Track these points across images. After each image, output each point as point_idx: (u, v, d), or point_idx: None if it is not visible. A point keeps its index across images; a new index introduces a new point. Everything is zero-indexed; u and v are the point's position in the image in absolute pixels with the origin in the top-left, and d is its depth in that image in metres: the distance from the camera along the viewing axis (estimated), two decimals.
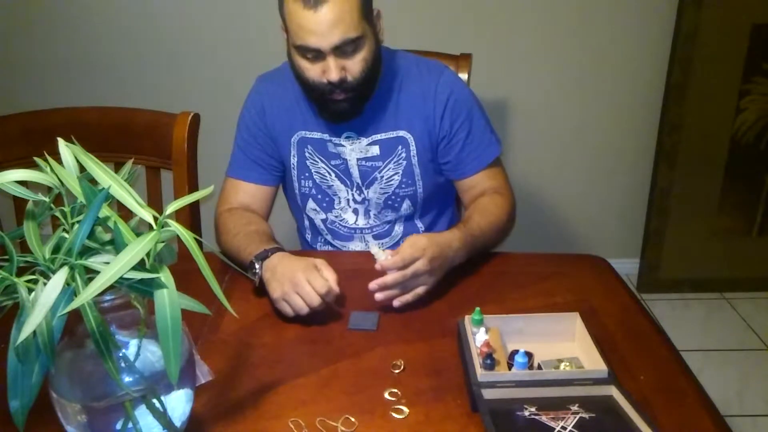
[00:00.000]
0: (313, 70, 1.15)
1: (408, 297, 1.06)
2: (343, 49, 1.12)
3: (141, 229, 0.65)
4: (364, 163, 1.29)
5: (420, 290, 1.07)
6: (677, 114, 2.21)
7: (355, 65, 1.15)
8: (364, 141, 1.28)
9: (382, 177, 1.30)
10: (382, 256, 1.04)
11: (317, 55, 1.13)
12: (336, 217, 1.36)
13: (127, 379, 0.69)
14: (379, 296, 1.05)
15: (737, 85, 2.19)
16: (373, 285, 1.04)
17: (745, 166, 2.29)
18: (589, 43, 2.19)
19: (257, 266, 1.09)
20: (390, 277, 1.03)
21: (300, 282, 1.01)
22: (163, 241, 0.64)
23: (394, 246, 1.37)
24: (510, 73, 2.23)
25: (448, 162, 1.30)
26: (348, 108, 1.19)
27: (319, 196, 1.35)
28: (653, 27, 2.17)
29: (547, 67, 2.23)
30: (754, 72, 2.18)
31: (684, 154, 2.25)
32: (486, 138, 1.30)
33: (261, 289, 1.11)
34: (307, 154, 1.31)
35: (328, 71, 1.13)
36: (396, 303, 1.05)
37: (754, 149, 2.27)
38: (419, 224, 1.38)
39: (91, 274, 0.61)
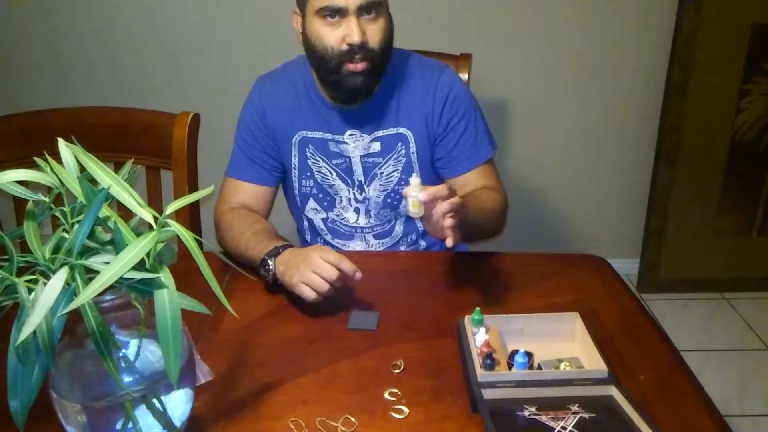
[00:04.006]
0: (333, 36, 1.15)
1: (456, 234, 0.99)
2: (366, 11, 1.14)
3: (141, 229, 0.65)
4: (366, 159, 1.30)
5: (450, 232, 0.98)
6: (677, 114, 2.21)
7: (376, 33, 1.16)
8: (367, 138, 1.28)
9: (382, 174, 1.30)
10: (413, 191, 0.97)
11: (340, 15, 1.14)
12: (337, 216, 1.36)
13: (127, 379, 0.69)
14: (448, 222, 0.96)
15: (737, 85, 2.19)
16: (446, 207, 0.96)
17: (745, 166, 2.29)
18: (589, 43, 2.19)
19: (270, 263, 1.09)
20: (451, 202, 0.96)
21: (314, 260, 1.02)
22: (163, 241, 0.64)
23: (394, 247, 1.38)
24: (510, 73, 2.23)
25: (441, 158, 1.31)
26: (363, 84, 1.19)
27: (321, 196, 1.35)
28: (653, 27, 2.17)
29: (547, 67, 2.23)
30: (754, 72, 2.18)
31: (684, 154, 2.25)
32: (480, 138, 1.30)
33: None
34: (308, 154, 1.31)
35: (350, 33, 1.14)
36: (452, 241, 0.98)
37: (754, 149, 2.27)
38: (420, 224, 1.38)
39: (91, 274, 0.61)
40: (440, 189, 0.97)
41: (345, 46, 1.15)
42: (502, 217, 1.28)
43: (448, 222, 0.97)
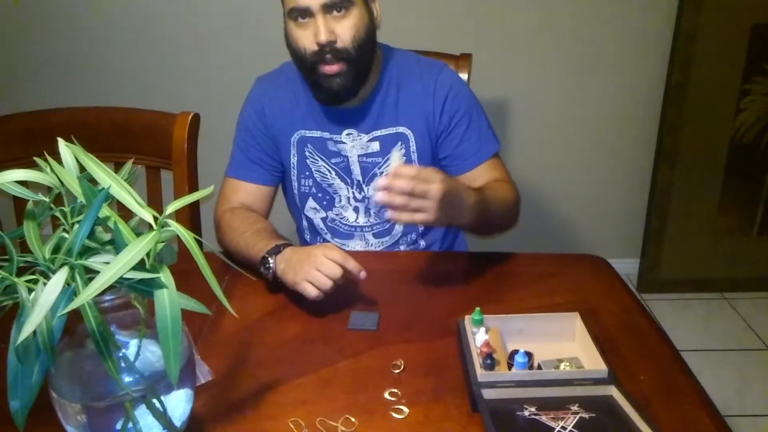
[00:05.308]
0: (304, 38, 1.16)
1: (404, 216, 0.99)
2: (334, 8, 1.13)
3: (141, 229, 0.65)
4: (364, 159, 1.30)
5: (418, 217, 0.99)
6: (677, 114, 2.21)
7: (345, 31, 1.15)
8: (365, 137, 1.28)
9: (383, 173, 1.30)
10: (396, 161, 0.98)
11: (308, 15, 1.14)
12: (336, 215, 1.36)
13: (127, 379, 0.69)
14: (380, 196, 0.98)
15: (737, 85, 2.19)
16: (381, 181, 0.97)
17: (745, 166, 2.29)
18: (589, 43, 2.19)
19: (270, 261, 1.09)
20: (401, 182, 0.96)
21: (318, 258, 1.01)
22: (163, 241, 0.64)
23: (394, 246, 1.38)
24: (510, 73, 2.23)
25: (446, 156, 1.31)
26: (341, 85, 1.18)
27: (320, 195, 1.35)
28: (653, 27, 2.17)
29: (547, 67, 2.23)
30: (754, 72, 2.18)
31: (684, 154, 2.26)
32: (484, 133, 1.30)
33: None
34: (307, 153, 1.31)
35: (318, 32, 1.13)
36: (388, 214, 0.99)
37: (754, 149, 2.27)
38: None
39: (91, 274, 0.61)
40: (405, 169, 0.97)
41: (316, 47, 1.15)
42: (517, 208, 1.28)
43: (383, 197, 0.96)
